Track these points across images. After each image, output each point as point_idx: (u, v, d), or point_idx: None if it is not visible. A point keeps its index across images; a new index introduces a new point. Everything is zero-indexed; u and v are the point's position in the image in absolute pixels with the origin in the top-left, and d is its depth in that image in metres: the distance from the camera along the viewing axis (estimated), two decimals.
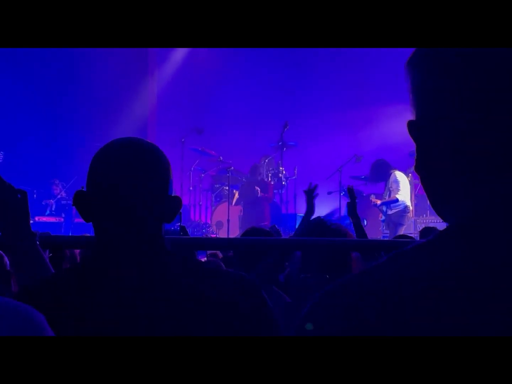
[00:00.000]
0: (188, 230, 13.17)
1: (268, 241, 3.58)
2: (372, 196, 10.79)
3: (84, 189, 1.82)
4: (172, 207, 1.84)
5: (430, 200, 1.08)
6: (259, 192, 12.47)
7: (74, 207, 1.81)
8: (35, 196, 13.43)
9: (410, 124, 1.14)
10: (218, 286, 1.75)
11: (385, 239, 3.95)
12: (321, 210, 13.71)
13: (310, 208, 5.56)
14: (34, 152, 13.75)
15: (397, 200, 10.23)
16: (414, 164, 1.12)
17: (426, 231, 7.24)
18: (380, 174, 10.63)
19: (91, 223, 1.78)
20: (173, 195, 1.87)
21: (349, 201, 5.21)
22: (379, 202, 10.44)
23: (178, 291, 1.73)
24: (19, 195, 2.20)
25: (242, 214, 12.71)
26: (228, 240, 3.76)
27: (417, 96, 1.16)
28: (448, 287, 0.94)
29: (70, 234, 12.96)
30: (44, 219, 12.95)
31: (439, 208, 1.07)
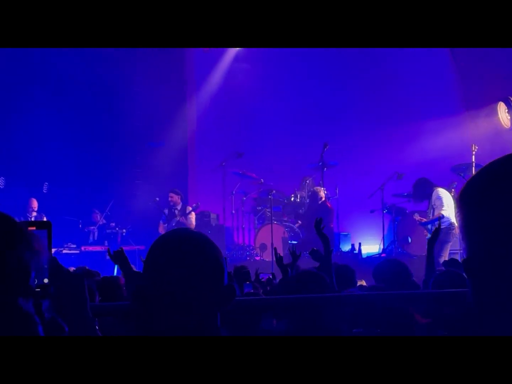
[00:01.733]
0: (232, 253, 13.27)
1: (328, 298, 3.68)
2: (416, 214, 10.71)
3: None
4: (228, 296, 1.89)
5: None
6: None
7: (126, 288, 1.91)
8: (80, 226, 13.62)
9: (465, 263, 1.19)
10: None
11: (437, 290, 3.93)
12: (365, 228, 13.69)
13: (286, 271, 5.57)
14: (74, 181, 13.94)
15: (442, 217, 10.14)
16: (471, 294, 1.16)
17: (451, 263, 7.15)
18: (423, 192, 10.56)
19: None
20: (226, 284, 1.92)
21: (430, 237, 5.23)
22: (424, 220, 10.36)
23: None
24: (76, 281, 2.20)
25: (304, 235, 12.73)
26: (285, 300, 3.79)
27: (469, 233, 1.19)
28: None
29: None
30: (90, 248, 13.10)
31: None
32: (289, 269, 5.47)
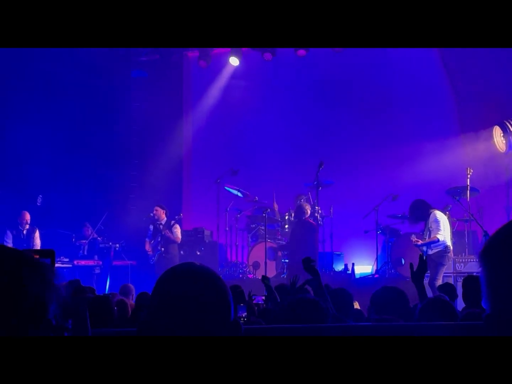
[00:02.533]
0: (225, 270, 13.22)
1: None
2: (413, 236, 10.68)
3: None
4: (233, 332, 1.88)
5: None
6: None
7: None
8: (73, 240, 13.58)
9: (488, 318, 1.21)
10: None
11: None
12: (358, 248, 13.67)
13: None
14: (67, 195, 13.90)
15: (438, 240, 10.16)
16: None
17: (445, 287, 7.14)
18: (420, 214, 10.54)
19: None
20: (232, 319, 1.91)
21: (415, 270, 5.18)
22: (420, 242, 10.35)
23: None
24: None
25: (288, 254, 12.66)
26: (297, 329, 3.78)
27: (492, 289, 1.22)
28: None
29: (108, 277, 13.07)
30: (83, 262, 13.05)
31: None
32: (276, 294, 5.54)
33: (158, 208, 13.17)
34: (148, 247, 13.22)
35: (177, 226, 13.22)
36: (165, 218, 13.21)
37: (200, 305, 1.83)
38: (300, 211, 12.35)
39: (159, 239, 13.02)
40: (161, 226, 13.07)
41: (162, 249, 12.94)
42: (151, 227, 13.24)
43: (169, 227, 13.06)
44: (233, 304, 1.92)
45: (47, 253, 2.11)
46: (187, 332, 1.80)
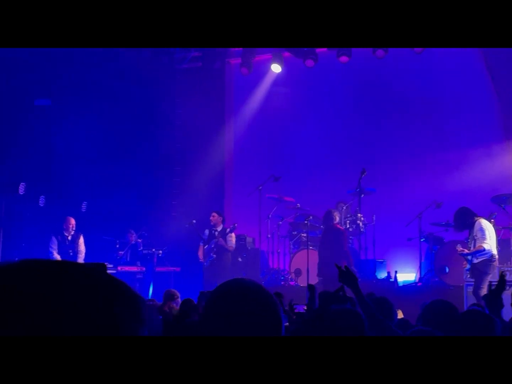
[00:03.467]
0: (266, 277, 13.22)
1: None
2: (459, 245, 10.53)
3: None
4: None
5: None
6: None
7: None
8: (117, 246, 13.71)
9: None
10: None
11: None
12: (401, 255, 13.55)
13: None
14: (112, 201, 14.05)
15: (483, 250, 10.00)
16: None
17: None
18: (464, 222, 10.39)
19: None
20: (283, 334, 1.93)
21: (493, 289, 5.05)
22: (465, 251, 10.21)
23: None
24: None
25: (319, 260, 12.61)
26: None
27: None
28: None
29: (151, 283, 13.16)
30: (126, 268, 13.17)
31: None
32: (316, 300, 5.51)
33: (215, 214, 13.23)
34: (200, 252, 13.26)
35: (233, 234, 13.23)
36: (222, 225, 13.25)
37: (250, 319, 1.86)
38: (328, 217, 12.31)
39: (212, 246, 13.05)
40: (216, 233, 13.12)
41: (214, 256, 12.97)
42: (207, 232, 13.27)
43: (224, 234, 13.09)
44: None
45: (99, 267, 2.13)
46: None
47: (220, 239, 12.99)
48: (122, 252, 13.56)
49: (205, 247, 13.18)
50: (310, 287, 6.04)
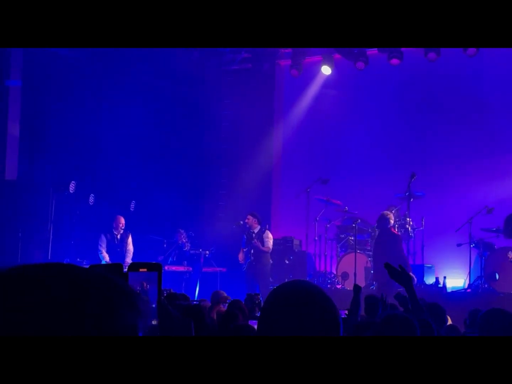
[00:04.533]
0: (313, 280, 13.17)
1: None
2: (510, 252, 10.35)
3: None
4: None
5: None
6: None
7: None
8: (165, 245, 13.81)
9: None
10: None
11: None
12: (450, 261, 13.36)
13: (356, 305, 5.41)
14: (159, 201, 14.15)
15: None
16: None
17: None
18: None
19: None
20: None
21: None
22: None
23: None
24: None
25: (372, 264, 12.50)
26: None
27: None
28: None
29: (198, 283, 13.23)
30: (173, 268, 13.26)
31: None
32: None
33: (250, 217, 13.19)
34: (241, 255, 13.26)
35: (269, 235, 13.17)
36: (258, 227, 13.19)
37: (308, 322, 1.83)
38: (383, 220, 12.17)
39: (250, 248, 13.04)
40: (253, 235, 13.09)
41: (252, 258, 12.95)
42: (245, 235, 13.25)
43: (261, 236, 13.06)
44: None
45: (155, 266, 2.12)
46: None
47: (255, 240, 12.95)
48: (169, 254, 13.64)
49: (245, 249, 13.18)
50: (356, 288, 5.92)
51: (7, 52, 12.51)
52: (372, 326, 4.72)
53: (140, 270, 2.07)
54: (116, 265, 2.05)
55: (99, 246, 12.84)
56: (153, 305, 2.06)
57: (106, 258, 12.64)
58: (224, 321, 6.13)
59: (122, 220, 13.00)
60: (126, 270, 2.08)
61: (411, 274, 11.37)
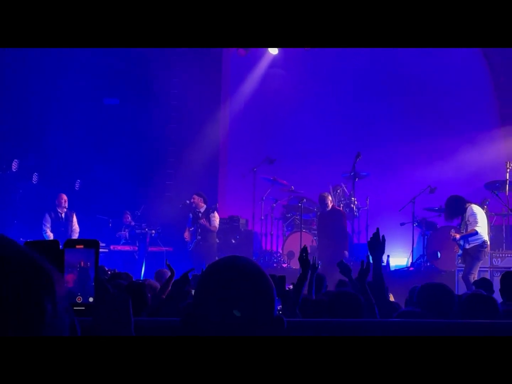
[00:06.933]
0: (259, 259, 13.24)
1: None
2: (452, 230, 10.54)
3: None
4: (276, 328, 1.88)
5: None
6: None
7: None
8: (110, 225, 13.70)
9: None
10: None
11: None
12: (394, 240, 13.58)
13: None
14: (105, 181, 14.00)
15: (476, 233, 10.00)
16: None
17: (482, 283, 7.10)
18: (455, 210, 10.38)
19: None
20: (276, 315, 1.91)
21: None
22: (458, 236, 10.20)
23: None
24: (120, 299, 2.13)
25: (317, 244, 12.64)
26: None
27: None
28: None
29: (144, 262, 13.17)
30: (119, 247, 13.17)
31: None
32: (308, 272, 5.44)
33: (196, 196, 13.13)
34: (187, 234, 13.22)
35: (216, 215, 13.13)
36: (204, 206, 13.14)
37: (244, 300, 1.83)
38: (320, 201, 12.37)
39: (197, 227, 13.01)
40: (200, 214, 13.05)
41: (199, 237, 12.94)
42: (191, 215, 13.21)
43: (208, 215, 13.03)
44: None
45: (92, 243, 2.10)
46: (230, 326, 1.81)
47: (203, 220, 12.92)
48: (125, 233, 13.53)
49: (191, 229, 13.14)
50: (312, 266, 5.89)
51: None
52: (320, 303, 4.82)
53: (77, 246, 2.06)
54: (52, 242, 2.03)
55: (43, 226, 12.67)
56: (92, 284, 2.06)
57: (50, 237, 12.48)
58: (168, 299, 6.11)
59: (64, 197, 12.82)
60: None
61: (345, 252, 11.67)
